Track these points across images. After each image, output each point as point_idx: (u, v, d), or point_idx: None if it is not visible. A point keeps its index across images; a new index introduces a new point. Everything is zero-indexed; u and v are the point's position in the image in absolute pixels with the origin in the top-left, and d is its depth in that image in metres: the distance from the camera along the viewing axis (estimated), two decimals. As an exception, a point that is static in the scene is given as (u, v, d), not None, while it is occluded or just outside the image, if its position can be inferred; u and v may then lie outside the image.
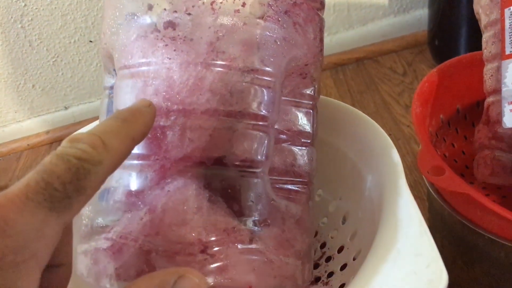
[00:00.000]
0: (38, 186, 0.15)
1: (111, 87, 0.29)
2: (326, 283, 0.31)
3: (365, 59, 0.68)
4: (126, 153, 0.19)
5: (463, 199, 0.31)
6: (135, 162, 0.24)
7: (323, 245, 0.34)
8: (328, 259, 0.33)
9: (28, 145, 0.72)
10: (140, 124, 0.20)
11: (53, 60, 0.68)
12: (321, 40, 0.29)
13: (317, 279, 0.32)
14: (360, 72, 0.66)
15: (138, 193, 0.23)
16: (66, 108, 0.73)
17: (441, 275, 0.19)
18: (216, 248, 0.22)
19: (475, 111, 0.41)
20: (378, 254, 0.21)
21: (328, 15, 0.66)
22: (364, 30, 0.68)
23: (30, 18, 0.64)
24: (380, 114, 0.57)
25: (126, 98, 0.24)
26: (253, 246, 0.23)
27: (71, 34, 0.66)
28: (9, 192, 0.15)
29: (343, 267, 0.31)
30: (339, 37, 0.68)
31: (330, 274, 0.32)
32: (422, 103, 0.36)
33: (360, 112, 0.31)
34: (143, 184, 0.24)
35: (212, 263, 0.22)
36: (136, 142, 0.20)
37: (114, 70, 0.28)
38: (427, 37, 0.63)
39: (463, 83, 0.40)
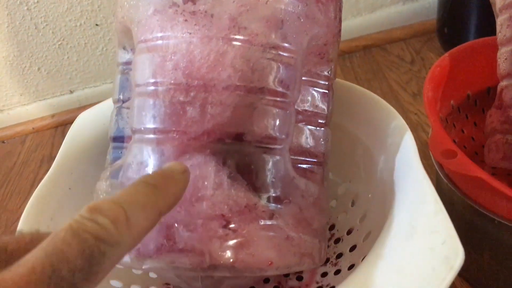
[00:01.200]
0: (44, 273, 0.13)
1: (125, 63, 0.29)
2: (335, 264, 0.32)
3: (372, 46, 0.68)
4: (149, 230, 0.17)
5: (474, 183, 0.31)
6: (154, 136, 0.24)
7: (331, 227, 0.34)
8: (337, 240, 0.33)
9: (33, 128, 0.72)
10: (171, 196, 0.18)
11: (59, 43, 0.67)
12: (340, 20, 0.29)
13: (326, 260, 0.32)
14: (368, 60, 0.66)
15: (157, 168, 0.23)
16: (71, 92, 0.73)
17: (458, 252, 0.19)
18: (237, 224, 0.22)
19: (485, 97, 0.41)
20: (393, 231, 0.22)
21: (336, 2, 0.66)
22: (372, 18, 0.68)
23: (36, 0, 0.63)
24: (387, 101, 0.57)
25: (145, 73, 0.24)
26: (274, 222, 0.23)
27: (77, 17, 0.66)
28: (14, 272, 0.13)
29: (352, 249, 0.31)
30: (346, 24, 0.68)
31: (339, 255, 0.32)
32: (433, 88, 0.36)
33: (373, 94, 0.31)
34: (162, 159, 0.24)
35: (233, 239, 0.22)
36: (161, 216, 0.17)
37: (129, 45, 0.28)
38: (436, 25, 0.63)
39: (474, 69, 0.40)
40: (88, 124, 0.34)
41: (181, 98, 0.24)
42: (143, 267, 0.23)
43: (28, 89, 0.71)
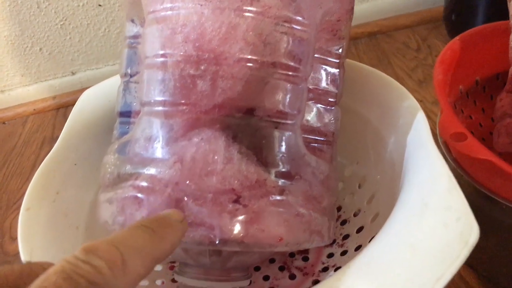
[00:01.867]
0: None
1: (133, 37, 0.28)
2: (341, 245, 0.31)
3: (378, 33, 0.67)
4: (143, 278, 0.16)
5: (483, 167, 0.31)
6: (163, 109, 0.23)
7: (338, 209, 0.34)
8: (344, 222, 0.33)
9: (34, 110, 0.72)
10: (168, 243, 0.17)
11: (61, 23, 0.66)
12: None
13: (332, 241, 0.32)
14: (373, 47, 0.66)
15: (166, 142, 0.23)
16: (73, 73, 0.72)
17: (472, 228, 0.19)
18: (248, 199, 0.22)
19: (494, 83, 0.40)
20: (405, 208, 0.21)
21: (342, -13, 0.65)
22: (379, 4, 0.67)
23: (38, -21, 0.62)
24: (392, 88, 0.57)
25: (154, 45, 0.24)
26: (284, 198, 0.23)
27: (80, -3, 0.65)
28: None
29: (359, 230, 0.31)
30: (353, 10, 0.67)
31: (346, 237, 0.32)
32: (443, 71, 0.36)
33: (385, 75, 0.30)
34: (171, 132, 0.23)
35: (243, 214, 0.22)
36: (156, 264, 0.16)
37: (138, 18, 0.27)
38: (444, 12, 0.62)
39: (484, 54, 0.39)
40: (93, 101, 0.34)
41: (191, 71, 0.23)
42: (151, 241, 0.22)
43: (29, 69, 0.70)
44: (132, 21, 0.28)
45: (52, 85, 0.72)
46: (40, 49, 0.68)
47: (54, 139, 0.66)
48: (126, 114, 0.28)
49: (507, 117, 0.32)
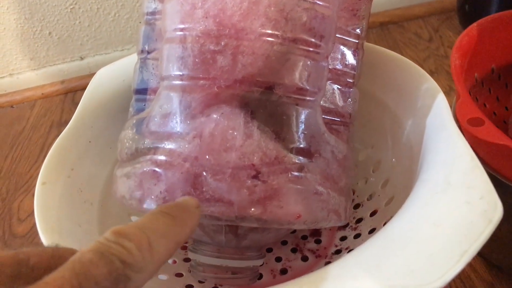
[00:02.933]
0: None
1: (151, 13, 0.28)
2: (355, 228, 0.31)
3: (389, 23, 0.66)
4: (167, 260, 0.17)
5: (499, 152, 0.31)
6: (182, 83, 0.23)
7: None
8: (357, 206, 0.33)
9: (42, 94, 0.71)
10: (188, 227, 0.18)
11: (71, 7, 0.66)
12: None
13: (345, 225, 0.32)
14: (384, 36, 0.65)
15: (185, 117, 0.23)
16: (81, 58, 0.72)
17: (496, 206, 0.19)
18: (267, 175, 0.22)
19: (510, 72, 0.40)
20: (427, 187, 0.21)
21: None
22: (391, -6, 0.67)
23: (49, -39, 0.62)
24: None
25: (174, 20, 0.23)
26: (303, 175, 0.22)
27: (90, -19, 0.64)
28: None
29: (372, 214, 0.31)
30: None
31: (359, 220, 0.32)
32: (460, 56, 0.35)
33: (402, 57, 0.30)
34: (191, 108, 0.23)
35: (262, 190, 0.21)
36: (178, 247, 0.18)
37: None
38: (457, 3, 0.62)
39: (501, 42, 0.39)
40: (107, 80, 0.34)
41: (212, 47, 0.23)
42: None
43: (38, 53, 0.70)
44: (150, -3, 0.28)
45: (61, 69, 0.72)
46: (50, 33, 0.68)
47: (62, 124, 0.66)
48: (143, 92, 0.28)
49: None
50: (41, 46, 0.69)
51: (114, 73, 0.34)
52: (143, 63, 0.28)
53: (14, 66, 0.70)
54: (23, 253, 0.16)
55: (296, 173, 0.23)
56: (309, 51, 0.23)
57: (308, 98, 0.23)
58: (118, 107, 0.33)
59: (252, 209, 0.22)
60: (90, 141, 0.30)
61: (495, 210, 0.19)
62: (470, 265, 0.37)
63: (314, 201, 0.23)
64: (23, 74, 0.71)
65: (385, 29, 0.66)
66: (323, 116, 0.27)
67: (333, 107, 0.27)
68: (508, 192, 0.31)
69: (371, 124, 0.33)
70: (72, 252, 0.17)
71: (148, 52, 0.28)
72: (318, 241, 0.32)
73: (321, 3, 0.23)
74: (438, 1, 0.66)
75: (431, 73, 0.58)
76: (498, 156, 0.31)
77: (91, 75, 0.71)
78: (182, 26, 0.24)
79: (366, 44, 0.32)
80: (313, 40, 0.23)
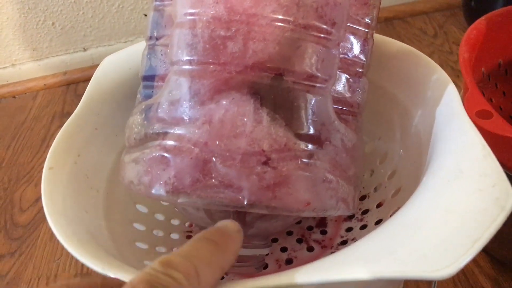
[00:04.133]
0: None
1: (160, -1, 0.28)
2: (361, 220, 0.31)
3: (394, 19, 0.66)
4: (214, 287, 0.17)
5: (506, 145, 0.30)
6: (192, 68, 0.23)
7: (358, 184, 0.34)
8: (363, 198, 0.33)
9: (44, 85, 0.71)
10: (231, 253, 0.18)
11: (75, -3, 0.66)
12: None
13: (351, 216, 0.32)
14: (389, 32, 0.65)
15: (195, 102, 0.23)
16: (84, 49, 0.71)
17: (509, 194, 0.19)
18: (276, 162, 0.22)
19: (517, 67, 0.40)
20: (439, 175, 0.21)
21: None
22: (396, -11, 0.66)
23: (53, -49, 0.62)
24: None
25: (185, 5, 0.23)
26: (313, 163, 0.22)
27: (94, -28, 0.64)
28: None
29: (379, 205, 0.31)
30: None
31: (365, 212, 0.32)
32: (469, 49, 0.35)
33: (411, 48, 0.30)
34: (201, 93, 0.23)
35: (272, 176, 0.21)
36: (223, 273, 0.18)
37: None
38: (459, 0, 0.61)
39: (509, 36, 0.39)
40: (113, 67, 0.34)
41: (222, 32, 0.23)
42: (178, 201, 0.22)
43: (41, 44, 0.70)
44: (159, -17, 0.28)
45: (63, 60, 0.71)
46: (53, 23, 0.68)
47: (64, 115, 0.66)
48: (151, 78, 0.28)
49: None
50: (44, 37, 0.69)
51: (120, 61, 0.34)
52: (151, 49, 0.28)
53: (16, 56, 0.70)
54: (73, 284, 0.17)
55: (305, 160, 0.22)
56: (320, 37, 0.23)
57: (318, 85, 0.23)
58: (124, 94, 0.32)
59: (262, 195, 0.22)
60: (96, 128, 0.30)
61: (508, 197, 0.18)
62: (473, 260, 0.37)
63: (323, 189, 0.23)
64: (25, 65, 0.71)
65: (390, 25, 0.66)
66: (333, 106, 0.27)
67: (341, 96, 0.27)
68: (514, 186, 0.31)
69: (379, 115, 0.33)
70: (119, 283, 0.17)
71: (157, 39, 0.28)
72: (324, 232, 0.32)
73: (334, -11, 0.23)
74: (443, -3, 0.66)
75: (436, 69, 0.58)
76: (505, 149, 0.31)
77: (94, 66, 0.71)
78: (192, 10, 0.23)
79: (375, 35, 0.32)
80: (324, 26, 0.23)
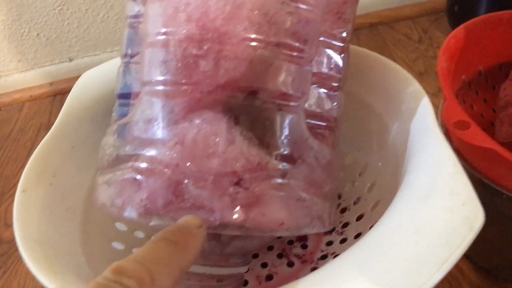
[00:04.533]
0: None
1: (134, 16, 0.27)
2: (341, 233, 0.31)
3: (379, 24, 0.66)
4: None
5: (485, 156, 0.30)
6: (164, 89, 0.23)
7: (338, 197, 0.34)
8: (343, 210, 0.33)
9: (30, 96, 0.71)
10: (192, 251, 0.18)
11: (59, 8, 0.65)
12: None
13: (331, 229, 0.32)
14: (374, 37, 0.65)
15: (167, 123, 0.22)
16: (70, 60, 0.71)
17: (478, 213, 0.19)
18: (249, 182, 0.21)
19: (497, 74, 0.40)
20: (410, 193, 0.21)
21: (345, -23, 0.64)
22: (381, -6, 0.66)
23: (36, -38, 0.61)
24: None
25: (157, 23, 0.23)
26: (286, 182, 0.22)
27: (78, -18, 0.64)
28: None
29: (359, 218, 0.31)
30: (354, 0, 0.66)
31: (345, 225, 0.31)
32: (447, 59, 0.35)
33: (389, 60, 0.30)
34: (172, 113, 0.23)
35: (244, 197, 0.21)
36: (183, 273, 0.17)
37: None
38: (446, 3, 0.62)
39: (488, 44, 0.39)
40: (92, 83, 0.33)
41: (194, 51, 0.23)
42: (150, 224, 0.22)
43: (26, 55, 0.69)
44: (134, 0, 0.28)
45: (49, 71, 0.71)
46: (38, 34, 0.67)
47: (50, 126, 0.65)
48: (126, 96, 0.28)
49: (510, 107, 0.32)
50: (29, 48, 0.69)
51: (99, 75, 0.33)
52: (126, 67, 0.28)
53: (2, 68, 0.70)
54: None
55: (279, 180, 0.22)
56: (292, 55, 0.23)
57: (291, 103, 0.23)
58: (103, 110, 0.32)
59: (234, 216, 0.21)
60: (73, 147, 0.30)
61: (477, 217, 0.18)
62: (457, 266, 0.37)
63: (297, 208, 0.23)
64: (11, 76, 0.71)
65: (375, 30, 0.66)
66: (308, 121, 0.26)
67: (318, 111, 0.27)
68: (495, 195, 0.31)
69: (359, 127, 0.33)
70: None
71: (131, 56, 0.28)
72: (304, 246, 0.32)
73: (305, 7, 0.23)
74: (428, 1, 0.66)
75: (421, 74, 0.58)
76: (484, 159, 0.31)
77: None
78: (164, 29, 0.23)
79: (352, 46, 0.32)
80: (296, 44, 0.23)
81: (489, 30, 0.38)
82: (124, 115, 0.27)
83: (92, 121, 0.31)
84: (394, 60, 0.60)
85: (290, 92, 0.23)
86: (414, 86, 0.27)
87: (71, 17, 0.66)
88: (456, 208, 0.19)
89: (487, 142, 0.28)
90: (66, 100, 0.32)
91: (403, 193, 0.21)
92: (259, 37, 0.22)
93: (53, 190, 0.27)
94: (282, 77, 0.23)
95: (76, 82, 0.33)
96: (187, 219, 0.19)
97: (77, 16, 0.66)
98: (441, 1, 0.64)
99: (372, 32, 0.66)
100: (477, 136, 0.29)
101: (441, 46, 0.36)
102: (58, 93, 0.71)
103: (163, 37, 0.23)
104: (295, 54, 0.23)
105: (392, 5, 0.67)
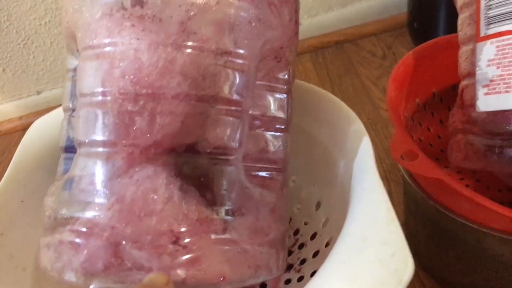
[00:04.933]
0: None
1: (74, 69, 0.27)
2: (298, 271, 0.31)
3: (344, 42, 0.67)
4: None
5: (435, 184, 0.31)
6: (101, 149, 0.23)
7: (296, 232, 0.34)
8: (301, 246, 0.33)
9: (0, 131, 0.70)
10: None
11: (24, 43, 0.65)
12: (297, 22, 0.28)
13: (289, 266, 0.32)
14: (340, 55, 0.66)
15: (105, 182, 0.22)
16: (38, 93, 0.71)
17: (407, 265, 0.19)
18: (188, 239, 0.21)
19: (451, 94, 0.41)
20: (345, 242, 0.21)
21: (307, -3, 0.65)
22: (344, 12, 0.67)
23: (-3, -1, 0.61)
24: (359, 98, 0.57)
25: (90, 82, 0.23)
26: (227, 236, 0.22)
27: (41, 16, 0.63)
28: None
29: (315, 254, 0.31)
30: (318, 19, 0.67)
31: (303, 261, 0.32)
32: (396, 87, 0.36)
33: (333, 96, 0.30)
34: (110, 172, 0.23)
35: (184, 255, 0.21)
36: None
37: (78, 50, 0.26)
38: (407, 19, 0.63)
39: (440, 66, 0.39)
40: (42, 132, 0.33)
41: (129, 108, 0.23)
42: (90, 287, 0.22)
43: (-7, 91, 0.69)
44: (73, 53, 0.28)
45: (18, 105, 0.70)
46: (3, 69, 0.67)
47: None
48: (70, 150, 0.27)
49: (458, 133, 0.33)
50: (-5, 83, 0.68)
51: (49, 125, 0.33)
52: (69, 120, 0.28)
53: (-31, 105, 0.69)
54: None
55: (219, 234, 0.22)
56: (227, 108, 0.23)
57: (229, 155, 0.23)
58: (55, 162, 0.32)
59: (174, 275, 0.21)
60: (22, 201, 0.30)
61: (406, 268, 0.19)
62: (420, 281, 0.38)
63: (240, 260, 0.23)
64: (-21, 113, 0.70)
65: (340, 48, 0.67)
66: (254, 165, 0.27)
67: (264, 154, 0.27)
68: (449, 221, 0.31)
69: (312, 162, 0.33)
70: None
71: (73, 110, 0.28)
72: (263, 286, 0.32)
73: (237, 60, 0.23)
74: (390, 17, 0.67)
75: (385, 91, 0.59)
76: (435, 187, 0.31)
77: (50, 108, 0.70)
78: (98, 89, 0.23)
79: (301, 82, 0.32)
80: (231, 97, 0.23)
81: (439, 53, 0.39)
82: (67, 170, 0.27)
83: (43, 173, 0.31)
84: (360, 78, 0.61)
85: (227, 144, 0.23)
86: (356, 125, 0.27)
87: (36, 51, 0.66)
88: (386, 260, 0.19)
89: (434, 172, 0.29)
90: (16, 150, 0.32)
91: (340, 242, 0.22)
92: (193, 91, 0.23)
93: (0, 249, 0.27)
94: (218, 130, 0.23)
95: (27, 131, 0.33)
96: (152, 277, 0.19)
97: (43, 50, 0.66)
98: (403, 16, 0.65)
99: (338, 50, 0.67)
100: (424, 166, 0.29)
101: (392, 73, 0.37)
102: (28, 127, 0.70)
103: (99, 97, 0.23)
104: (230, 107, 0.23)
105: (356, 22, 0.68)
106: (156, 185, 0.22)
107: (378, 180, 0.23)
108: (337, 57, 0.66)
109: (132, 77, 0.23)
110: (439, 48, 0.39)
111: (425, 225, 0.35)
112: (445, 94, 0.41)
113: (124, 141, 0.23)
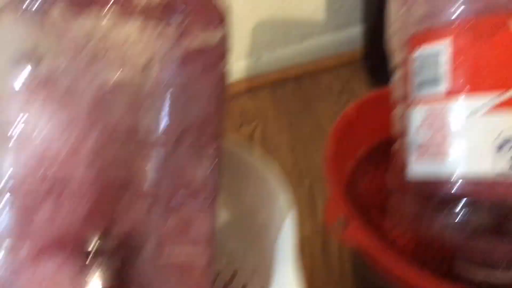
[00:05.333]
0: None
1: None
2: None
3: (303, 77, 0.67)
4: None
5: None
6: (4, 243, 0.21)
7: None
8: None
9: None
10: None
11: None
12: (223, 90, 0.28)
13: None
14: (298, 91, 0.66)
15: (7, 277, 0.21)
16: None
17: None
18: None
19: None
20: None
21: (265, 31, 0.65)
22: (302, 47, 0.67)
23: None
24: (315, 137, 0.57)
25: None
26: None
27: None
28: None
29: None
30: (277, 54, 0.67)
31: None
32: (335, 142, 0.36)
33: (265, 166, 0.29)
34: (12, 267, 0.22)
35: None
36: None
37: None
38: (362, 55, 0.63)
39: (383, 117, 0.39)
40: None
41: (34, 194, 0.22)
42: None
43: None
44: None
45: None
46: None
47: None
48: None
49: (393, 195, 0.32)
50: None
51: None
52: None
53: None
54: None
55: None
56: (141, 194, 0.23)
57: (142, 242, 0.22)
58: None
59: None
60: None
61: None
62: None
63: None
64: None
65: (299, 83, 0.67)
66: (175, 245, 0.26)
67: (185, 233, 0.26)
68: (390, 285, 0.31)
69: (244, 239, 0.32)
70: None
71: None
72: None
73: (155, 137, 0.22)
74: (348, 52, 0.67)
75: (342, 129, 0.59)
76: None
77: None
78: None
79: (236, 151, 0.31)
80: (145, 180, 0.23)
81: (382, 104, 0.39)
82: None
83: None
84: (317, 115, 0.61)
85: (140, 232, 0.22)
86: (282, 201, 0.26)
87: None
88: None
89: (362, 240, 0.29)
90: None
91: None
92: (103, 176, 0.22)
93: None
94: (130, 217, 0.22)
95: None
96: None
97: None
98: (359, 52, 0.66)
99: (298, 84, 0.67)
100: (355, 234, 0.29)
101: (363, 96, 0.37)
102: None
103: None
104: (144, 191, 0.23)
105: (314, 57, 0.68)
106: (62, 280, 0.21)
107: (293, 268, 0.22)
108: (296, 92, 0.65)
109: (36, 160, 0.22)
110: (383, 99, 0.39)
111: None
112: (389, 145, 0.41)
113: (27, 232, 0.22)
